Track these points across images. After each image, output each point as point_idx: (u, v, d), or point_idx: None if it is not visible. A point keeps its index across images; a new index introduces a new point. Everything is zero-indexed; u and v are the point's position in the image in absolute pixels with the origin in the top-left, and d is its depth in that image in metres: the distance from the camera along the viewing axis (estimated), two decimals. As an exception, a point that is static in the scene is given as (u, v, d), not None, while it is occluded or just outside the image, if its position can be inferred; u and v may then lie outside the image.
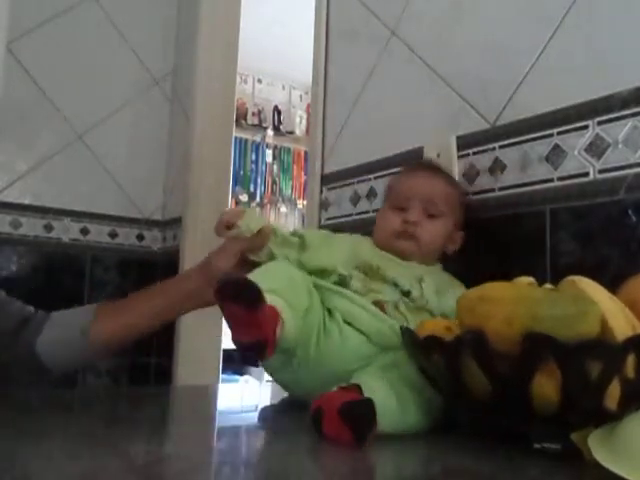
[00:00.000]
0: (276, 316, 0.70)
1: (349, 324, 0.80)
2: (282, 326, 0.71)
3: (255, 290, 0.65)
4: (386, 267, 0.88)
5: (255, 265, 0.86)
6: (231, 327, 0.66)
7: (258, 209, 0.96)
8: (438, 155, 1.13)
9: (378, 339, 0.79)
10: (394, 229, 0.93)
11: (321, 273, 0.87)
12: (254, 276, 0.73)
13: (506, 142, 1.03)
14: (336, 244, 0.94)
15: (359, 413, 0.60)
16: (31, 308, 0.98)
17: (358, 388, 0.66)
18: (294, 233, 0.93)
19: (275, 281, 0.76)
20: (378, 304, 0.82)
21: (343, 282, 0.85)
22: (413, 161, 1.09)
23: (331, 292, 0.83)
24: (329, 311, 0.82)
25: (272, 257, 0.91)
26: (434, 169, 1.01)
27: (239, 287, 0.64)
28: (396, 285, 0.85)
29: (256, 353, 0.68)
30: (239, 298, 0.64)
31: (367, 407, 0.61)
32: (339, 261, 0.88)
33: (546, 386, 0.57)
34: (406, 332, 0.70)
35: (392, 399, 0.67)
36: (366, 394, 0.65)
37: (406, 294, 0.85)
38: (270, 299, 0.69)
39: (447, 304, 0.84)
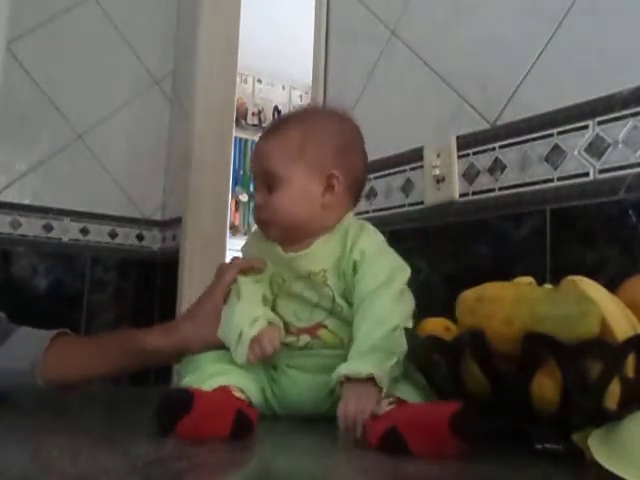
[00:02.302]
0: (228, 390, 0.70)
1: (294, 367, 0.80)
2: (241, 390, 0.72)
3: (181, 396, 0.63)
4: (290, 274, 0.80)
5: None
6: (209, 431, 0.63)
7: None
8: (438, 155, 1.14)
9: (317, 369, 0.79)
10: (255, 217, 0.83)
11: None
12: (187, 377, 0.76)
13: (506, 142, 1.03)
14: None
15: (469, 423, 0.57)
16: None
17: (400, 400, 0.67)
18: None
19: (210, 366, 0.76)
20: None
21: None
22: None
23: None
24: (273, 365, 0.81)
25: None
26: (269, 130, 0.84)
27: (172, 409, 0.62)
28: (302, 299, 0.79)
29: (246, 427, 0.65)
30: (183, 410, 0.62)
31: (472, 415, 0.58)
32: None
33: (546, 386, 0.57)
34: (406, 333, 0.70)
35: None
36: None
37: (316, 306, 0.79)
38: (217, 381, 0.72)
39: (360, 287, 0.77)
